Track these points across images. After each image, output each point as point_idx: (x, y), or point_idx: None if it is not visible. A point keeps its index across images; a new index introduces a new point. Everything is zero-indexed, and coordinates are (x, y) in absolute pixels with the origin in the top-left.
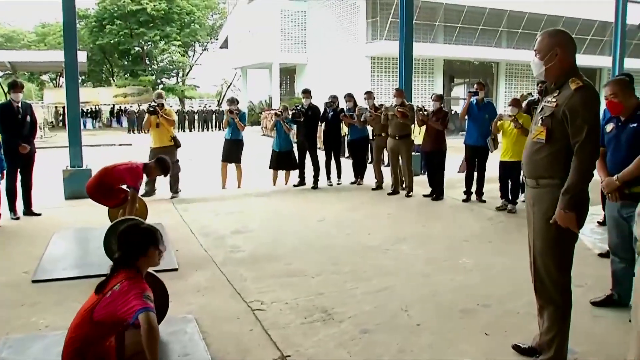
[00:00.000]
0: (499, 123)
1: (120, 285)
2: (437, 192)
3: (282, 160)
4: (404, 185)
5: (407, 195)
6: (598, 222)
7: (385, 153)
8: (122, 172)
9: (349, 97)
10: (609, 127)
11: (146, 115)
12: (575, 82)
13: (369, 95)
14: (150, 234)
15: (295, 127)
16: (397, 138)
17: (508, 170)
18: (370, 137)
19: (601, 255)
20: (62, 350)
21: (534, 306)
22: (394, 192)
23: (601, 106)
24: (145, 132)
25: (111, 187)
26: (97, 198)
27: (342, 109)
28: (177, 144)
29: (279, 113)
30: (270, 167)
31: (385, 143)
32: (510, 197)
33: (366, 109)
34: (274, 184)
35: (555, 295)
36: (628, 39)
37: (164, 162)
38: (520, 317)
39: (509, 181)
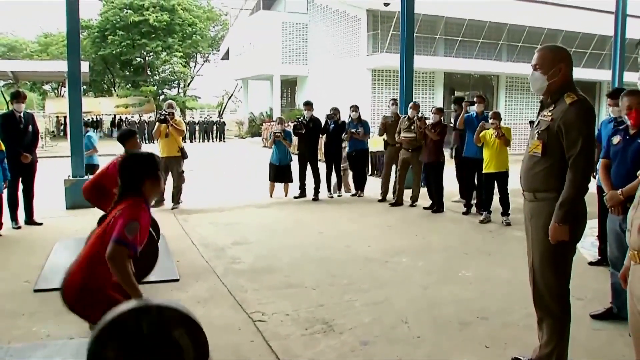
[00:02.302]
0: (481, 134)
1: (120, 211)
2: (437, 205)
3: (280, 174)
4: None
5: (412, 205)
6: (597, 236)
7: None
8: (115, 168)
9: (355, 108)
10: (616, 140)
11: (156, 124)
12: (571, 96)
13: (394, 101)
14: (149, 159)
15: (295, 139)
16: (410, 150)
17: (492, 182)
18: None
19: (591, 263)
20: (70, 268)
21: (533, 318)
22: (397, 203)
23: (597, 120)
24: (154, 142)
25: (110, 189)
26: (93, 200)
27: (344, 122)
28: (184, 155)
29: (278, 134)
30: (269, 180)
31: (397, 154)
32: (502, 208)
33: (390, 116)
34: (271, 196)
35: (553, 307)
36: (627, 53)
37: (123, 131)
38: (519, 330)
39: (493, 193)
